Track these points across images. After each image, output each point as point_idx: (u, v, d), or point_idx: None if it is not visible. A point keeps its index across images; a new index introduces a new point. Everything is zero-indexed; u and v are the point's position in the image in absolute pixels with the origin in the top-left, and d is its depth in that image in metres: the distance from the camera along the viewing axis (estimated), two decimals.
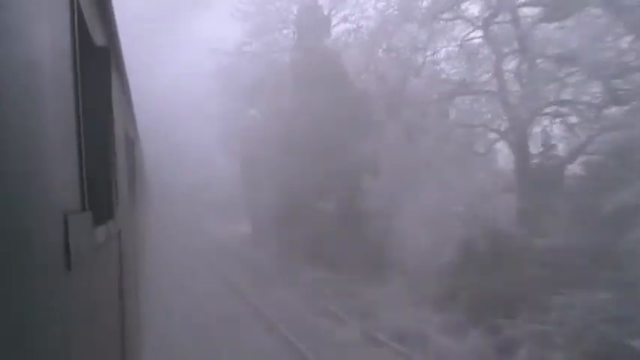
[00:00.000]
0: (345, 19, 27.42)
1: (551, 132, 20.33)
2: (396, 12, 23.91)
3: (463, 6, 21.65)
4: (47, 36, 1.32)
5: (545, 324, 13.53)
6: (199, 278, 23.22)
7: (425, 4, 22.57)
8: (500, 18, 20.36)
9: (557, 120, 20.08)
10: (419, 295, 17.10)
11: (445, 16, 22.02)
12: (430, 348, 13.78)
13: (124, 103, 4.31)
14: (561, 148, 20.30)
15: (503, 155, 22.86)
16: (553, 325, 13.29)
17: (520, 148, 20.02)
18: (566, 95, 19.14)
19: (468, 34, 21.93)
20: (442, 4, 21.34)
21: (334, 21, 27.82)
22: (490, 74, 21.22)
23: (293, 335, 14.73)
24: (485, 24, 20.61)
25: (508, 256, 16.95)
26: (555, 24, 18.31)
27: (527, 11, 19.89)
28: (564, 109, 19.39)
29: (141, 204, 9.39)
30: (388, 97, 24.40)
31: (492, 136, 22.43)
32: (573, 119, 19.45)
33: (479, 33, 21.39)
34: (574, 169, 19.59)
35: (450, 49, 23.20)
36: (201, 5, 34.58)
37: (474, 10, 21.52)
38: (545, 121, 20.37)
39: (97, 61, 2.47)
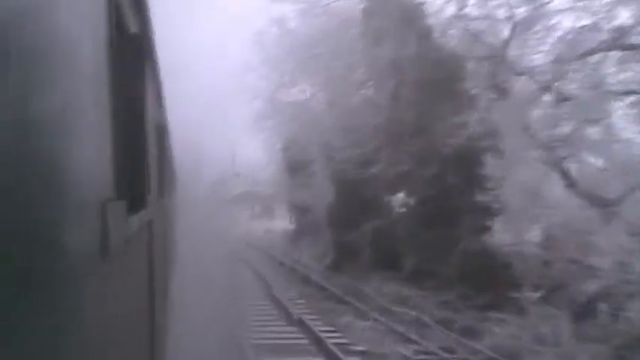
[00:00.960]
0: None
1: None
2: None
3: None
4: (84, 23, 1.32)
5: None
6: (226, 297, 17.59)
7: None
8: None
9: None
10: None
11: None
12: None
13: (156, 92, 4.16)
14: None
15: None
16: None
17: None
18: None
19: None
20: None
21: None
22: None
23: None
24: None
25: None
26: None
27: None
28: None
29: (170, 195, 8.74)
30: (487, 59, 18.35)
31: None
32: None
33: None
34: None
35: None
36: None
37: None
38: None
39: (130, 48, 2.35)
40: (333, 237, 23.29)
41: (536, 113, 18.15)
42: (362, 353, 11.32)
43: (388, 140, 17.87)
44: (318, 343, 11.69)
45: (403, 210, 19.74)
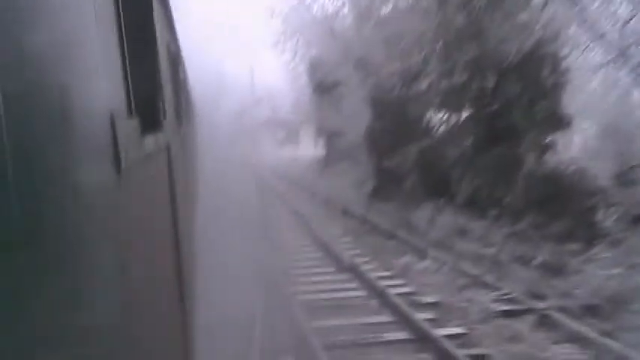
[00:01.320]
0: None
1: None
2: None
3: None
4: None
5: None
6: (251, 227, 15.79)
7: None
8: None
9: None
10: None
11: None
12: None
13: (166, 17, 3.97)
14: None
15: None
16: None
17: None
18: None
19: None
20: None
21: None
22: None
23: None
24: None
25: None
26: None
27: None
28: None
29: (188, 124, 7.95)
30: None
31: None
32: None
33: None
34: None
35: None
36: None
37: None
38: None
39: None
40: (372, 162, 21.13)
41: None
42: (434, 306, 9.37)
43: (437, 50, 15.31)
44: (379, 295, 9.76)
45: (455, 129, 17.40)
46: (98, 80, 1.23)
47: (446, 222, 14.84)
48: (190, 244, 5.05)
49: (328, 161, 29.65)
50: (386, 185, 19.61)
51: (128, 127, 1.41)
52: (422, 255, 12.68)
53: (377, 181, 20.51)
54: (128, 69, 1.56)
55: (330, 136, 28.59)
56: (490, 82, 14.33)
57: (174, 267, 2.87)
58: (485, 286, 10.26)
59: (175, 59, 5.23)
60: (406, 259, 12.41)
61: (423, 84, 16.20)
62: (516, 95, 14.42)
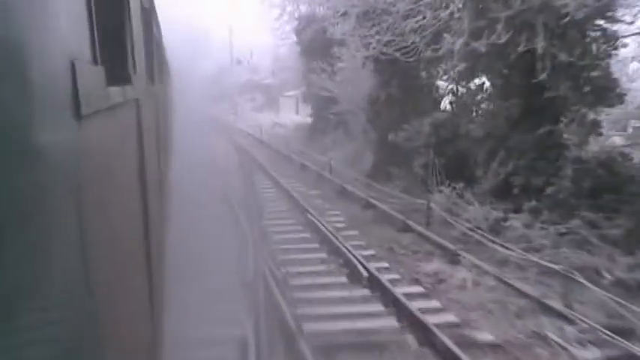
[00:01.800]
0: None
1: None
2: None
3: None
4: None
5: None
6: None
7: None
8: None
9: None
10: None
11: None
12: None
13: None
14: None
15: None
16: None
17: None
18: None
19: None
20: None
21: None
22: None
23: None
24: None
25: None
26: None
27: None
28: None
29: (162, 83, 7.83)
30: None
31: None
32: None
33: None
34: None
35: None
36: None
37: None
38: None
39: None
40: (372, 136, 18.32)
41: None
42: (494, 350, 6.72)
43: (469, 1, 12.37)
44: (416, 330, 7.08)
45: (481, 100, 14.62)
46: (58, 25, 1.16)
47: (472, 214, 12.18)
48: (160, 194, 4.83)
49: (317, 130, 26.72)
50: (389, 163, 16.87)
51: (91, 75, 1.37)
52: (452, 259, 10.04)
53: (378, 157, 17.74)
54: (94, 18, 1.51)
55: (319, 103, 25.60)
56: (533, 44, 11.50)
57: (140, 216, 2.70)
58: (552, 312, 7.65)
59: (148, 15, 4.96)
60: (435, 265, 9.73)
61: (441, 45, 13.31)
62: (565, 63, 11.64)
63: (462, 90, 15.43)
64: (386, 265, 9.67)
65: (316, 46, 24.13)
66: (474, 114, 14.64)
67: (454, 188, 13.67)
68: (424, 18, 12.82)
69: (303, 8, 26.34)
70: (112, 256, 1.66)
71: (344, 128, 23.09)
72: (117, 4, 2.28)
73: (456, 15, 12.06)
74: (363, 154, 19.94)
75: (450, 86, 16.30)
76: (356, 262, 9.31)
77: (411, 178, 15.73)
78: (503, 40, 11.21)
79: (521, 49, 11.39)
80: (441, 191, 14.09)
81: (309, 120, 29.50)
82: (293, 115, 42.42)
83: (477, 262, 9.65)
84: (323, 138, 25.09)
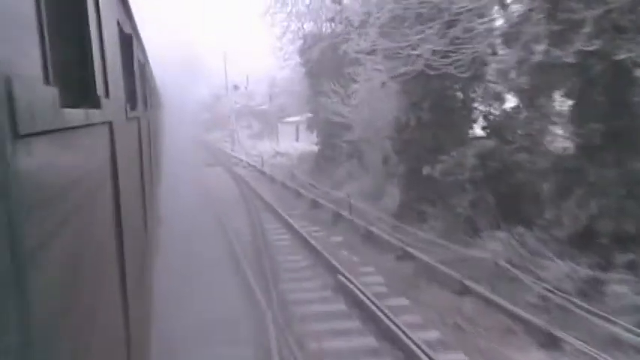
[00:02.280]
0: None
1: None
2: None
3: None
4: None
5: None
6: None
7: None
8: None
9: None
10: None
11: None
12: None
13: None
14: None
15: None
16: None
17: None
18: None
19: None
20: None
21: None
22: None
23: None
24: None
25: None
26: None
27: None
28: None
29: (148, 109, 7.76)
30: None
31: None
32: None
33: None
34: None
35: None
36: None
37: None
38: None
39: None
40: (398, 168, 15.64)
41: None
42: None
43: None
44: None
45: (545, 122, 11.97)
46: None
47: (550, 270, 9.49)
48: (142, 239, 4.57)
49: (323, 160, 24.06)
50: (422, 200, 14.19)
51: (37, 94, 1.32)
52: (546, 339, 7.33)
53: (406, 193, 15.04)
54: (47, 39, 1.48)
55: (328, 130, 22.99)
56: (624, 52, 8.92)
57: (113, 265, 2.55)
58: None
59: (128, 40, 4.82)
60: (534, 357, 7.00)
61: (513, 53, 10.67)
62: None
63: (513, 112, 12.80)
64: (461, 356, 6.92)
65: (325, 66, 21.65)
66: (529, 142, 11.99)
67: (513, 234, 11.02)
68: (490, 20, 10.21)
69: (309, 26, 23.91)
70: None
71: (358, 158, 20.47)
72: (79, 28, 2.18)
73: (535, 16, 9.42)
74: (383, 188, 17.29)
75: (489, 109, 13.73)
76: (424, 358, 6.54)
77: (450, 220, 13.04)
78: (592, 47, 8.59)
79: (615, 57, 8.76)
80: (494, 237, 11.44)
81: (314, 148, 26.87)
82: (293, 142, 39.91)
83: (585, 349, 6.93)
84: (333, 169, 22.43)
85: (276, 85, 50.16)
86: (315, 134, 26.43)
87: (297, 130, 43.52)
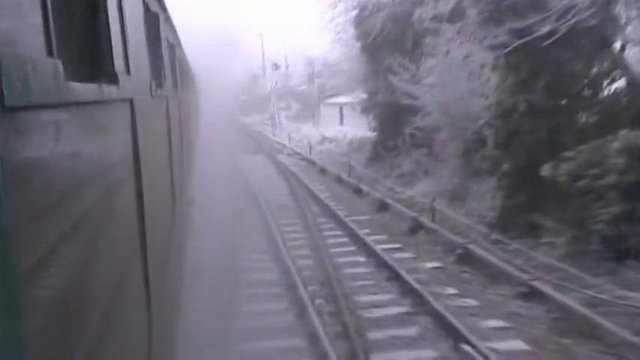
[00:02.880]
0: None
1: None
2: None
3: None
4: None
5: None
6: None
7: None
8: None
9: None
10: None
11: None
12: None
13: None
14: None
15: None
16: None
17: None
18: None
19: None
20: None
21: None
22: None
23: None
24: None
25: None
26: None
27: None
28: None
29: (181, 92, 8.18)
30: None
31: None
32: None
33: None
34: None
35: None
36: None
37: None
38: None
39: None
40: (501, 166, 12.21)
41: None
42: None
43: None
44: None
45: None
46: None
47: None
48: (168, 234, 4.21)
49: (382, 149, 20.71)
50: (534, 210, 10.83)
51: (31, 64, 1.22)
52: None
53: (511, 199, 11.63)
54: (49, 8, 1.41)
55: (390, 114, 19.63)
56: None
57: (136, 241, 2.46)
58: None
59: (154, 18, 4.72)
60: None
61: None
62: None
63: None
64: None
65: (389, 38, 18.26)
66: None
67: None
68: None
69: None
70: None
71: (429, 148, 17.13)
72: (92, 1, 2.13)
73: None
74: (467, 187, 13.96)
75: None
76: None
77: (580, 238, 9.70)
78: None
79: None
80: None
81: (369, 134, 23.57)
82: (337, 126, 36.64)
83: None
84: (396, 160, 19.11)
85: (318, 64, 46.86)
86: (370, 118, 23.08)
87: (342, 112, 40.15)
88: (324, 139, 30.65)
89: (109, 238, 1.83)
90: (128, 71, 2.48)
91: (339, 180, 19.13)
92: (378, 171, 19.29)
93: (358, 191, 16.79)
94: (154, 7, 4.60)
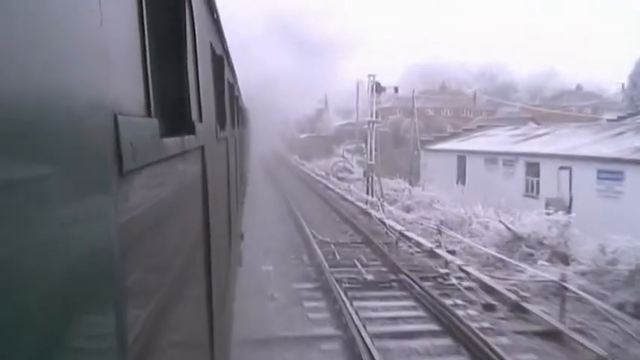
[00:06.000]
0: None
1: None
2: None
3: None
4: None
5: None
6: None
7: None
8: None
9: None
10: None
11: None
12: None
13: (208, 16, 3.91)
14: None
15: None
16: None
17: None
18: None
19: None
20: None
21: None
22: None
23: None
24: None
25: None
26: None
27: None
28: None
29: (237, 128, 8.72)
30: None
31: None
32: None
33: None
34: None
35: None
36: None
37: None
38: None
39: None
40: None
41: None
42: None
43: None
44: None
45: None
46: (104, 81, 1.16)
47: None
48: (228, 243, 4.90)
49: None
50: None
51: (139, 127, 1.36)
52: None
53: None
54: (149, 71, 1.53)
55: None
56: None
57: (202, 284, 2.71)
58: None
59: (220, 61, 5.04)
60: None
61: None
62: None
63: None
64: None
65: None
66: None
67: None
68: None
69: None
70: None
71: None
72: (177, 54, 2.21)
73: None
74: None
75: None
76: None
77: None
78: None
79: None
80: None
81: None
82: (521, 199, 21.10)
83: None
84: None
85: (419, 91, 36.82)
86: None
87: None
88: (516, 239, 14.39)
89: (183, 261, 2.05)
90: (201, 119, 2.53)
91: None
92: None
93: None
94: (219, 50, 4.83)
